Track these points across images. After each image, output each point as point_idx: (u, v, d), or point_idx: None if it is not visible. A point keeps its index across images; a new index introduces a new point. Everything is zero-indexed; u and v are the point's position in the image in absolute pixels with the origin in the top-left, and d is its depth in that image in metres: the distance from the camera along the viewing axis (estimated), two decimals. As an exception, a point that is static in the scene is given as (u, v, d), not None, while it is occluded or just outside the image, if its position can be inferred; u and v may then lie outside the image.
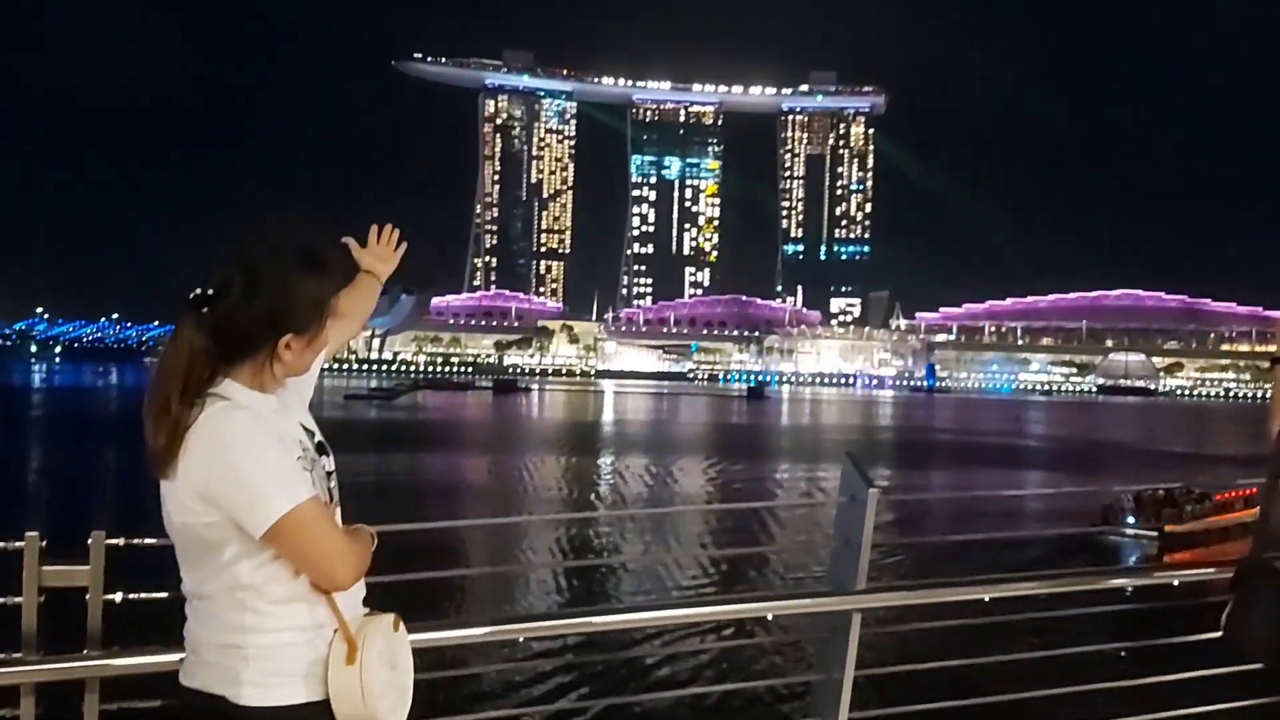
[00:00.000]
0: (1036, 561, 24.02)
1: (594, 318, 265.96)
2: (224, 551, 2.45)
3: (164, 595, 2.96)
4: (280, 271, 2.50)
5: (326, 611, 2.54)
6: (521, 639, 3.84)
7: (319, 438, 2.71)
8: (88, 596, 3.12)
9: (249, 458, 2.39)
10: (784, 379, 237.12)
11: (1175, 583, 4.64)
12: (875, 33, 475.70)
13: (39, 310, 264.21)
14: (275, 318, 2.50)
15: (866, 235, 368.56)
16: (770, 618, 4.32)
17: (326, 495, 2.59)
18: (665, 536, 31.85)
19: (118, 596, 3.16)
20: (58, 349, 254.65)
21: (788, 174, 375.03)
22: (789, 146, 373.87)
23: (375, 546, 2.69)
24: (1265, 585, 3.50)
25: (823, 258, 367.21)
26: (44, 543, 3.11)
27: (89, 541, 3.12)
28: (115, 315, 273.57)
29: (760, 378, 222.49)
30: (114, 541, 3.15)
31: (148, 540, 3.02)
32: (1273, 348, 4.04)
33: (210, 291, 2.46)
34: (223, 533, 2.43)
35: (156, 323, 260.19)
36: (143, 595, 3.22)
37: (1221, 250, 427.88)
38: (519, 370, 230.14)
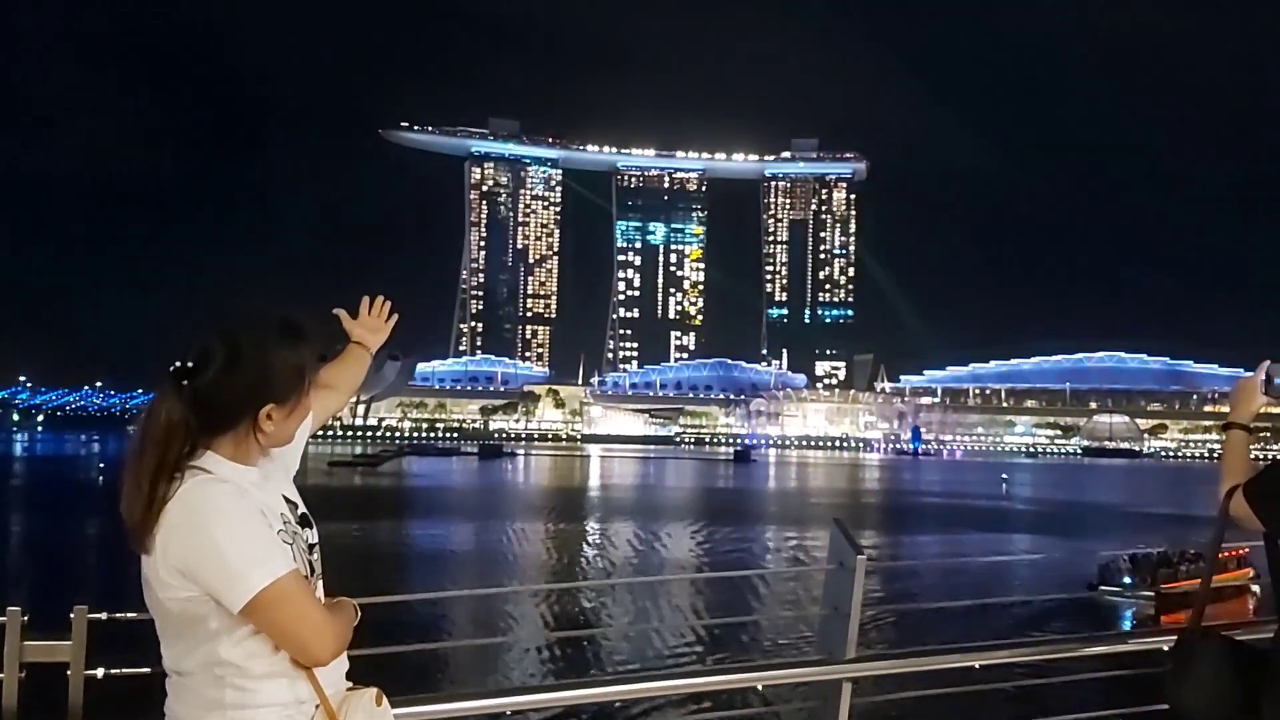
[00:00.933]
0: (1032, 624, 23.89)
1: (580, 382, 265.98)
2: (203, 627, 2.41)
3: (146, 671, 2.92)
4: (260, 341, 2.49)
5: (308, 687, 2.49)
6: (509, 712, 3.81)
7: (302, 510, 2.68)
8: (69, 672, 3.09)
9: (227, 532, 2.35)
10: (770, 442, 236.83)
11: (1166, 647, 4.62)
12: (855, 101, 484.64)
13: (21, 379, 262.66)
14: (256, 388, 2.48)
15: (850, 299, 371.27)
16: (760, 688, 4.28)
17: (308, 569, 2.55)
18: (654, 604, 31.54)
19: (100, 672, 3.12)
20: (40, 417, 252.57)
21: (771, 239, 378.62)
22: (772, 212, 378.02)
23: (359, 620, 2.66)
24: (1204, 651, 3.50)
25: (807, 321, 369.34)
26: (25, 617, 3.07)
27: (71, 616, 3.08)
28: (99, 383, 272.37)
29: (747, 440, 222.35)
30: (96, 616, 3.12)
31: (130, 615, 2.96)
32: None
33: (191, 363, 2.44)
34: (202, 608, 2.39)
35: (140, 391, 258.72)
36: (125, 671, 3.17)
37: (1202, 312, 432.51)
38: (505, 435, 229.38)
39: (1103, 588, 32.97)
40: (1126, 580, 33.19)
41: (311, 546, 2.63)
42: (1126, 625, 29.67)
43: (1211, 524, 3.71)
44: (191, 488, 2.40)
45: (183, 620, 2.43)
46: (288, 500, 2.63)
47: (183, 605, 2.40)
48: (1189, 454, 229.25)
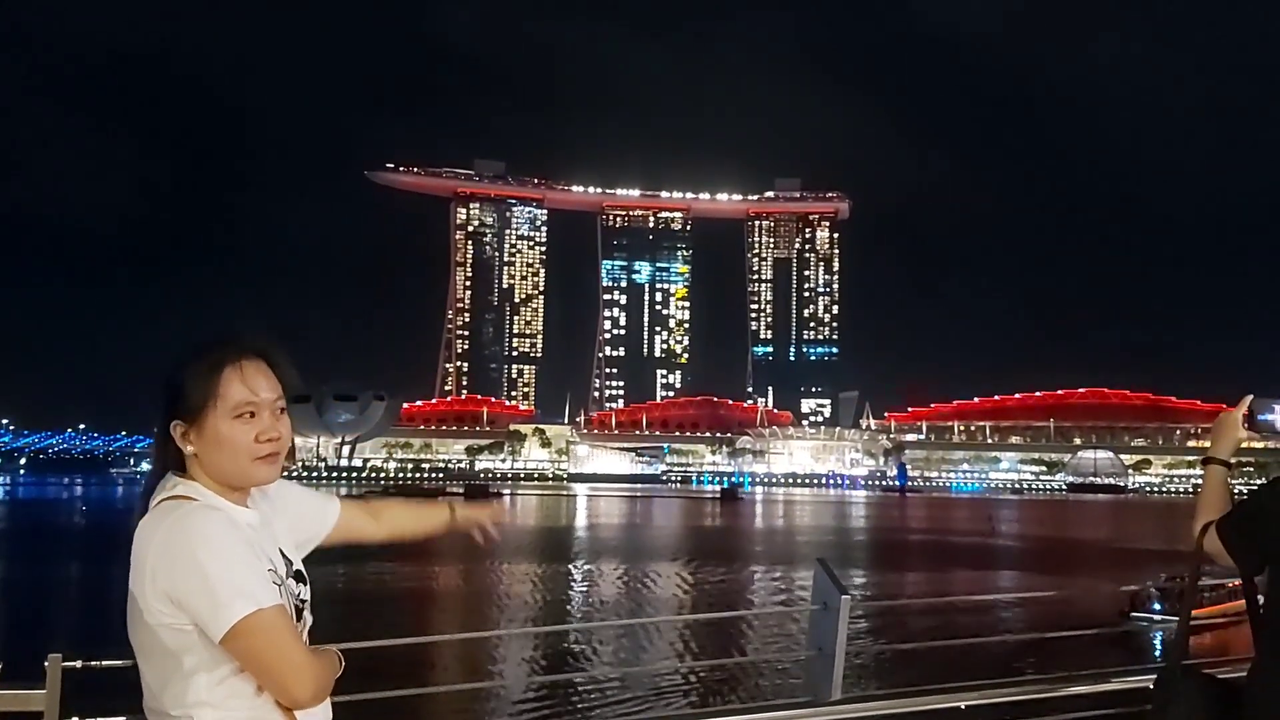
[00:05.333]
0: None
1: (566, 421, 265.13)
2: (186, 659, 2.39)
3: (122, 719, 2.90)
4: (177, 361, 2.55)
5: None
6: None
7: (298, 567, 2.68)
8: None
9: (214, 558, 2.34)
10: (756, 480, 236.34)
11: (1150, 685, 4.61)
12: (837, 140, 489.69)
13: (3, 421, 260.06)
14: (167, 405, 2.53)
15: (835, 336, 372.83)
16: (745, 730, 4.26)
17: (294, 616, 2.53)
18: (640, 646, 31.31)
19: None
20: (22, 460, 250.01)
21: (756, 277, 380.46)
22: (756, 250, 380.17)
23: (342, 669, 2.62)
24: (1183, 690, 3.50)
25: (792, 359, 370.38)
26: None
27: (45, 664, 3.03)
28: (81, 426, 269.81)
29: (735, 479, 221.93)
30: (71, 664, 3.06)
31: (105, 663, 2.97)
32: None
33: None
34: (186, 638, 2.37)
35: (123, 433, 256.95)
36: None
37: (1185, 347, 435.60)
38: (491, 475, 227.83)
39: (1134, 615, 34.29)
40: (1156, 607, 34.59)
41: (303, 602, 2.61)
42: (1158, 650, 30.30)
43: (1188, 560, 3.72)
44: (183, 514, 2.41)
45: (166, 650, 2.40)
46: (283, 555, 2.63)
47: (168, 633, 2.38)
48: (1173, 489, 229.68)
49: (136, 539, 2.43)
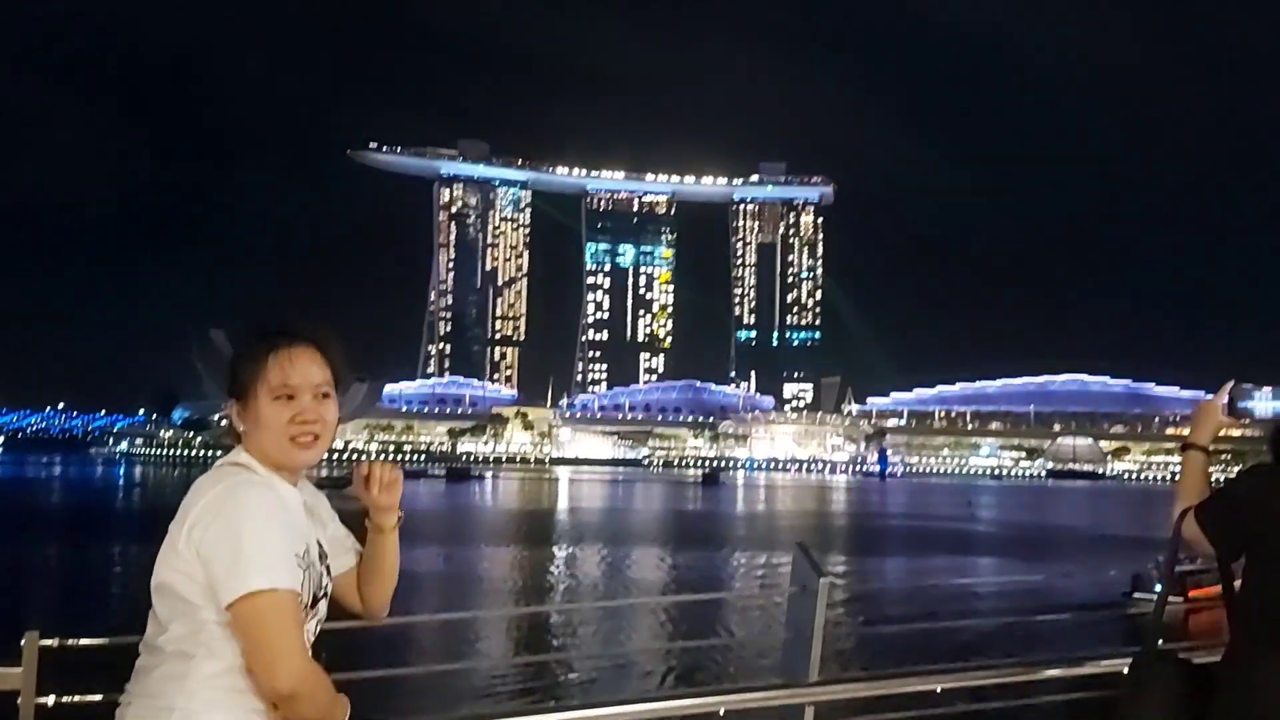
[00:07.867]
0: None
1: (549, 404, 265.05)
2: (191, 617, 2.50)
3: (98, 699, 2.87)
4: (237, 344, 2.74)
5: (260, 710, 2.52)
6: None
7: (330, 560, 2.80)
8: (19, 700, 3.02)
9: (252, 529, 2.45)
10: (739, 465, 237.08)
11: (1124, 670, 4.61)
12: (823, 124, 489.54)
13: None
14: (228, 385, 2.70)
15: (817, 321, 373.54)
16: (722, 712, 4.25)
17: (309, 599, 2.62)
18: (618, 628, 31.38)
19: (50, 700, 3.05)
20: (0, 439, 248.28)
21: (740, 262, 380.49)
22: (740, 235, 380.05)
23: (346, 716, 2.65)
24: (1158, 674, 3.51)
25: (775, 344, 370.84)
26: None
27: (21, 643, 3.01)
28: (60, 405, 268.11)
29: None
30: (47, 643, 3.05)
31: (82, 641, 2.99)
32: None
33: None
34: (197, 596, 2.48)
35: (103, 412, 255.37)
36: (76, 699, 3.09)
37: (1165, 335, 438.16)
38: (473, 458, 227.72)
39: (1137, 595, 34.60)
40: (1158, 587, 34.85)
41: (325, 592, 2.73)
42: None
43: (1166, 546, 3.73)
44: (239, 482, 2.55)
45: (178, 594, 2.51)
46: (320, 546, 2.74)
47: (183, 580, 2.50)
48: (1151, 476, 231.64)
49: (191, 489, 2.57)
